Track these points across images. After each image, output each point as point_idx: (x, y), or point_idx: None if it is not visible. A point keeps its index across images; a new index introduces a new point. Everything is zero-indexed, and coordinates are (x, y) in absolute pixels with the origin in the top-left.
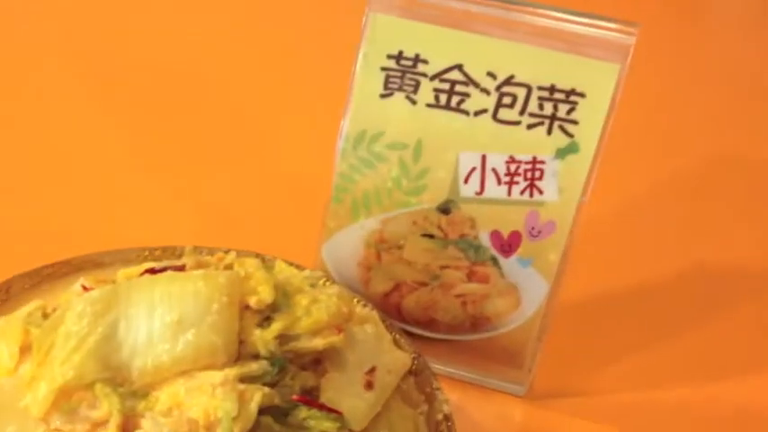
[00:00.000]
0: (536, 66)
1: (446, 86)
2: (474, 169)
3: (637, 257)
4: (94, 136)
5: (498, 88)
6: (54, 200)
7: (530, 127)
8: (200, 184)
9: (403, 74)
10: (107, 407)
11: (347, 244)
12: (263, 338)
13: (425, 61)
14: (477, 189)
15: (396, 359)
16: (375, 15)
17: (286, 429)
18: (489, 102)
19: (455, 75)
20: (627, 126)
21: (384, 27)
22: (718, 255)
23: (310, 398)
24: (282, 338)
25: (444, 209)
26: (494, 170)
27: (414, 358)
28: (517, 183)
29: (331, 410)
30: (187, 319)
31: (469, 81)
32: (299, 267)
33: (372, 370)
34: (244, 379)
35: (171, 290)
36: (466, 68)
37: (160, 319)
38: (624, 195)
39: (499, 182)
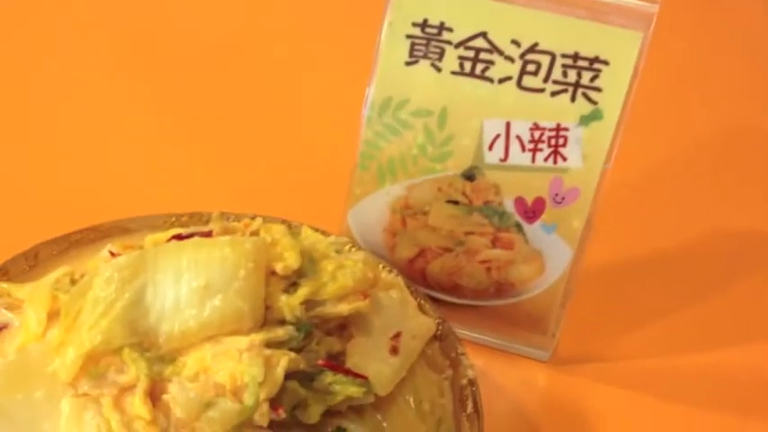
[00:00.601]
0: (560, 33)
1: (471, 54)
2: (498, 136)
3: (659, 223)
4: (122, 102)
5: (522, 56)
6: (82, 166)
7: (553, 94)
8: (227, 151)
9: (428, 42)
10: (134, 372)
11: (373, 210)
12: (289, 304)
13: (450, 29)
14: (502, 156)
15: (421, 324)
16: None
17: (312, 394)
18: (513, 69)
19: (479, 42)
20: (650, 93)
21: None
22: (740, 221)
23: (336, 363)
24: (308, 304)
25: (469, 175)
26: (518, 137)
27: (438, 324)
28: (541, 150)
29: (356, 375)
30: (214, 285)
31: (494, 49)
32: (324, 233)
33: (397, 335)
34: (270, 344)
35: (198, 256)
36: (490, 36)
37: (187, 284)
38: (647, 162)
39: (523, 149)
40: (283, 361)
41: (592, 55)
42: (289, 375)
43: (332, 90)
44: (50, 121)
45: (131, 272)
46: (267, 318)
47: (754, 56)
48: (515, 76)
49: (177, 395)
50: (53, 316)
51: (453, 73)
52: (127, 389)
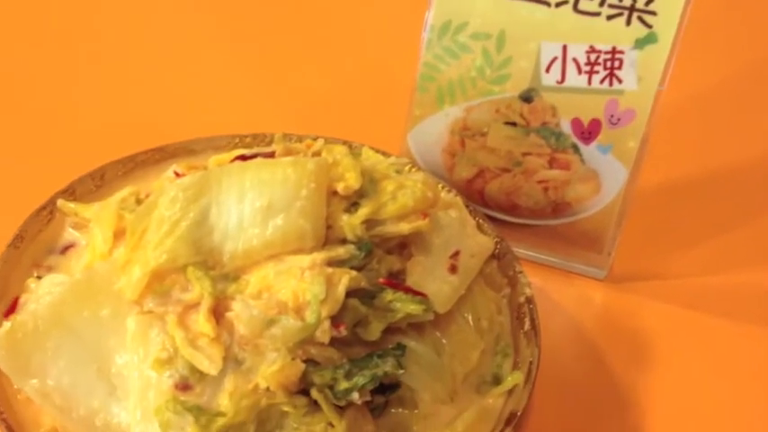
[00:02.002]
0: None
1: None
2: (555, 59)
3: (713, 144)
4: (187, 26)
5: None
6: (147, 89)
7: (609, 18)
8: (289, 73)
9: None
10: (199, 290)
11: (432, 131)
12: (350, 223)
13: None
14: (559, 78)
15: (479, 243)
16: None
17: (372, 312)
18: None
19: None
20: (704, 17)
21: None
22: None
23: (396, 281)
24: (369, 223)
25: (526, 97)
26: (574, 60)
27: (496, 242)
28: (597, 72)
29: (416, 293)
30: (276, 205)
31: None
32: (385, 154)
33: (456, 254)
34: (331, 263)
35: (261, 176)
36: None
37: (250, 204)
38: (701, 83)
39: (579, 71)
40: (344, 279)
41: None
42: (350, 293)
43: (392, 13)
44: (118, 44)
45: (196, 192)
46: (329, 237)
47: None
48: (572, 0)
49: (240, 313)
50: (119, 235)
51: None
52: (191, 307)
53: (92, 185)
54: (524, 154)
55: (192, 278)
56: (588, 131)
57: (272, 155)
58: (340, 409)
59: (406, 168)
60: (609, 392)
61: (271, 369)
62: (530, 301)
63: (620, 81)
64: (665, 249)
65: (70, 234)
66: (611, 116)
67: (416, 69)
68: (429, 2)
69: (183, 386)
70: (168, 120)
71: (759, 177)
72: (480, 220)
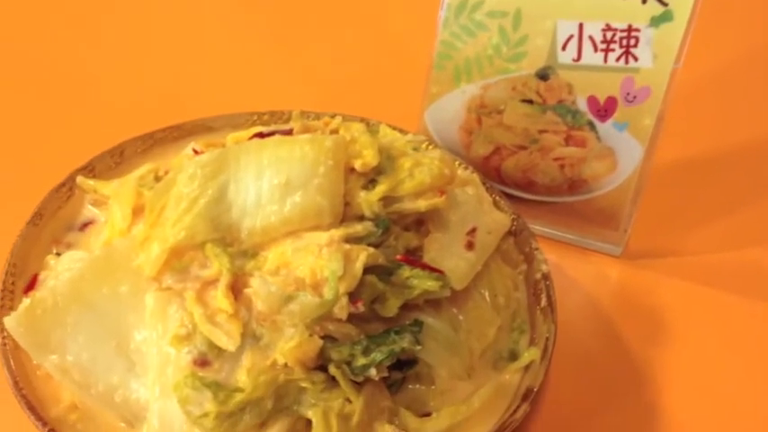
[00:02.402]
0: None
1: None
2: (571, 37)
3: (729, 121)
4: (207, 5)
5: None
6: (166, 66)
7: None
8: (307, 51)
9: None
10: (217, 266)
11: (449, 109)
12: (367, 200)
13: None
14: (575, 56)
15: (496, 220)
16: None
17: (390, 288)
18: None
19: None
20: None
21: None
22: None
23: (413, 258)
24: (386, 200)
25: (543, 75)
26: (590, 38)
27: (513, 219)
28: (613, 50)
29: (433, 270)
30: (294, 182)
31: None
32: (402, 131)
33: (473, 230)
34: (349, 239)
35: (279, 153)
36: None
37: (268, 181)
38: (716, 61)
39: (596, 49)
40: (362, 256)
41: None
42: (367, 270)
43: None
44: (137, 23)
45: (214, 169)
46: (346, 214)
47: None
48: None
49: (259, 289)
50: (138, 212)
51: None
52: (210, 283)
53: (111, 162)
54: (541, 131)
55: (211, 255)
56: (604, 109)
57: (289, 132)
58: (357, 385)
59: (424, 146)
60: (625, 368)
61: (289, 345)
62: (546, 277)
63: (635, 59)
64: (681, 226)
65: (89, 211)
66: (627, 94)
67: (433, 47)
68: None
69: (202, 362)
70: (187, 97)
71: None
72: (497, 197)
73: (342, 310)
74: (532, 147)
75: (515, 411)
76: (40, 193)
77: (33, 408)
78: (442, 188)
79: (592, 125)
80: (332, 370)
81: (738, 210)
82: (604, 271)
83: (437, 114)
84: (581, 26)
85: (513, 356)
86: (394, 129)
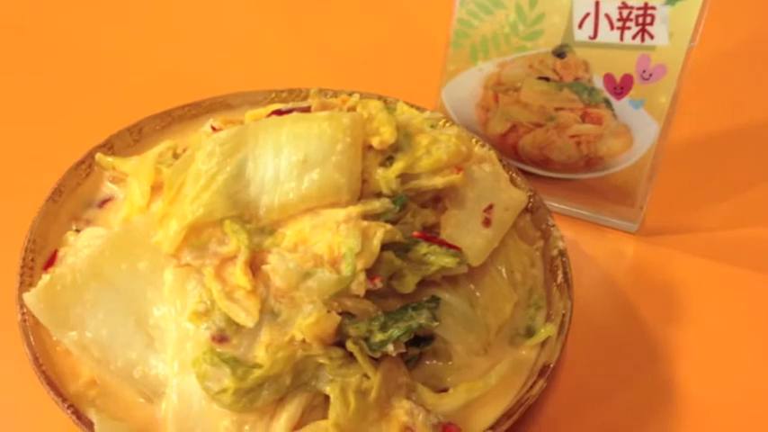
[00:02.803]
0: None
1: None
2: (588, 15)
3: (744, 99)
4: None
5: None
6: (184, 44)
7: None
8: (325, 29)
9: None
10: (235, 243)
11: (466, 87)
12: (385, 177)
13: None
14: (591, 34)
15: (512, 197)
16: None
17: (407, 265)
18: None
19: None
20: None
21: None
22: None
23: (430, 234)
24: (404, 177)
25: (559, 53)
26: (607, 16)
27: (530, 196)
28: (629, 28)
29: (450, 246)
30: (312, 159)
31: None
32: (419, 109)
33: (490, 207)
34: (367, 216)
35: (297, 130)
36: None
37: (286, 158)
38: (732, 39)
39: (612, 27)
40: (380, 232)
41: None
42: (385, 246)
43: None
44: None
45: (232, 146)
46: (364, 191)
47: None
48: None
49: (277, 265)
50: (156, 189)
51: None
52: (228, 259)
53: (129, 140)
54: (557, 109)
55: (229, 231)
56: (620, 87)
57: (307, 110)
58: (375, 361)
59: (441, 123)
60: (641, 344)
61: (306, 321)
62: (562, 254)
63: (651, 37)
64: (697, 203)
65: (108, 188)
66: (643, 72)
67: (450, 25)
68: None
69: (220, 338)
70: (205, 75)
71: None
72: (514, 174)
73: (359, 286)
74: (549, 124)
75: (532, 387)
76: (59, 170)
77: (53, 383)
78: (459, 165)
79: (608, 103)
80: (349, 346)
81: (753, 186)
82: (620, 247)
83: (454, 92)
84: (597, 4)
85: (530, 332)
86: (411, 106)
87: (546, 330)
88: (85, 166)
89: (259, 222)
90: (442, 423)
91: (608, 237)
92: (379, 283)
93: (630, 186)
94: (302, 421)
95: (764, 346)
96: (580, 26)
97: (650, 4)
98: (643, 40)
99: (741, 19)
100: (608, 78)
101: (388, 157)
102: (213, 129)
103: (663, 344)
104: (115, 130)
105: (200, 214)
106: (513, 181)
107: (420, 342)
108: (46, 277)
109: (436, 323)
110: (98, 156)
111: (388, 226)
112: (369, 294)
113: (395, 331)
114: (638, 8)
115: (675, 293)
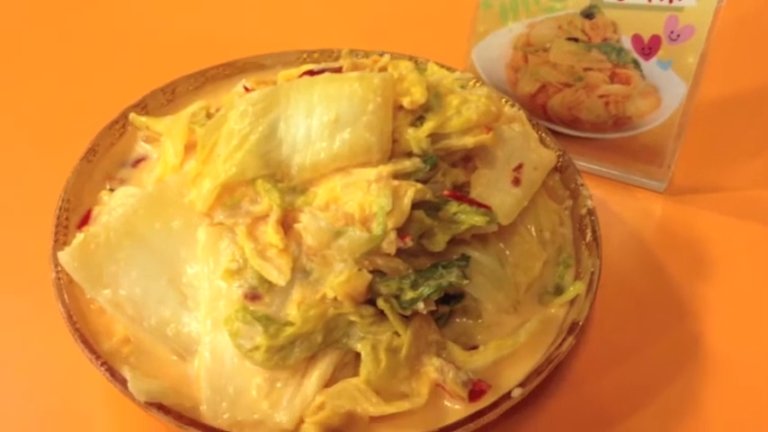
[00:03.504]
0: None
1: None
2: None
3: None
4: None
5: None
6: (218, 4)
7: None
8: None
9: None
10: (267, 202)
11: (496, 47)
12: (415, 137)
13: None
14: None
15: (542, 156)
16: None
17: (437, 223)
18: None
19: None
20: None
21: None
22: None
23: (461, 193)
24: (434, 137)
25: (588, 14)
26: None
27: (559, 156)
28: None
29: (480, 205)
30: (343, 119)
31: None
32: (450, 69)
33: (519, 167)
34: (397, 175)
35: (328, 91)
36: None
37: (318, 118)
38: (759, 0)
39: None
40: (410, 191)
41: None
42: (415, 205)
43: None
44: None
45: (265, 106)
46: (394, 150)
47: None
48: None
49: (308, 224)
50: (190, 148)
51: None
52: (260, 218)
53: (163, 100)
54: (586, 69)
55: (261, 190)
56: (648, 47)
57: (339, 70)
58: (405, 319)
59: (471, 83)
60: (668, 301)
61: (338, 279)
62: (591, 212)
63: None
64: (724, 162)
65: (142, 147)
66: (671, 32)
67: None
68: None
69: (253, 296)
70: (238, 35)
71: None
72: (543, 134)
73: (390, 244)
74: (578, 84)
75: (561, 344)
76: (93, 129)
77: (87, 341)
78: (488, 125)
79: (636, 63)
80: (380, 304)
81: None
82: (648, 206)
83: (484, 52)
84: None
85: (559, 291)
86: (442, 67)
87: (575, 288)
88: (119, 125)
89: (291, 181)
90: (472, 380)
91: (636, 196)
92: (409, 242)
93: (658, 146)
94: (333, 378)
95: None
96: None
97: None
98: (671, 0)
99: None
100: (636, 39)
101: (418, 117)
102: (246, 89)
103: (690, 301)
104: (149, 90)
105: (233, 173)
106: (542, 141)
107: (450, 300)
108: (80, 236)
109: (466, 281)
110: (132, 115)
111: (419, 185)
112: (399, 253)
113: (425, 289)
114: None
115: (702, 252)
